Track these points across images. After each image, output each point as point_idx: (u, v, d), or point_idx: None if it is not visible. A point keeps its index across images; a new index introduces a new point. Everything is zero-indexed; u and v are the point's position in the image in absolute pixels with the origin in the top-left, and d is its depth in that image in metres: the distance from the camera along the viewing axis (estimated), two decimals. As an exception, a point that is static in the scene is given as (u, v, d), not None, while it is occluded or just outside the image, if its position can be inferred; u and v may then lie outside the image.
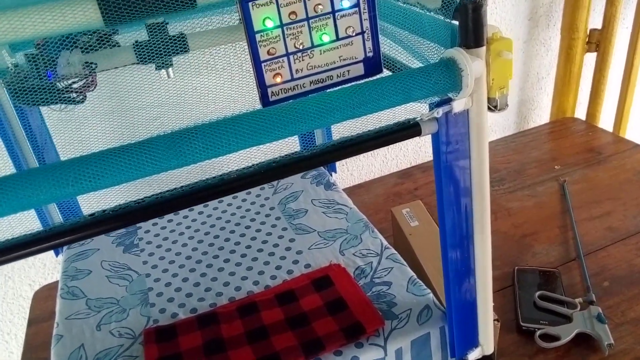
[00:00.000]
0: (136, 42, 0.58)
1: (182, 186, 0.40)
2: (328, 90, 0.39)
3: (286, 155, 0.41)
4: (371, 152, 1.27)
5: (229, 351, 0.57)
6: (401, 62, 0.52)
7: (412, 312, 0.60)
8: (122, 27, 0.61)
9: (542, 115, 1.47)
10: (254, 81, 0.38)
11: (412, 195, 1.08)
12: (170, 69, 0.59)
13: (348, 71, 0.40)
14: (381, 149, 1.27)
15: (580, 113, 1.39)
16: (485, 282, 0.54)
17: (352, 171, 1.28)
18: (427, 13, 0.47)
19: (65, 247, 0.80)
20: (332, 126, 0.87)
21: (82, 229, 0.37)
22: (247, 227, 0.79)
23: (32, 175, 0.32)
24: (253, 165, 0.42)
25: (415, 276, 0.65)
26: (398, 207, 0.89)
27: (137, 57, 0.58)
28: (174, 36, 0.59)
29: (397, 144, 1.29)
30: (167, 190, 0.39)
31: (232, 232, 0.79)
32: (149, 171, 0.34)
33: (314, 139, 0.92)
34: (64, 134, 0.80)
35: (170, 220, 0.83)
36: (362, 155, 1.26)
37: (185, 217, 0.84)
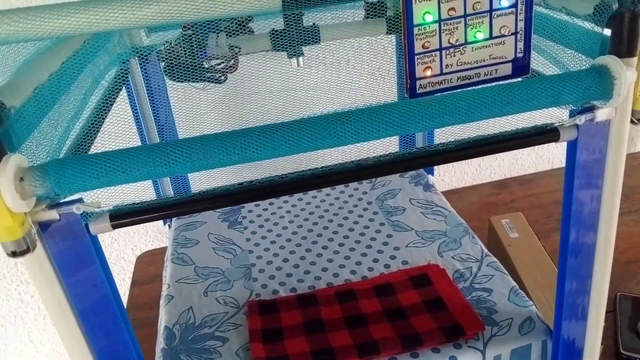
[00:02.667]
0: (273, 30, 0.62)
1: (283, 174, 0.42)
2: (474, 87, 0.40)
3: (420, 148, 0.43)
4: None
5: (328, 333, 0.59)
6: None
7: (514, 321, 0.59)
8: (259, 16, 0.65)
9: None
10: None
11: (508, 207, 1.05)
12: (300, 58, 0.62)
13: (496, 70, 0.40)
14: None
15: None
16: (600, 303, 0.53)
17: (443, 176, 1.27)
18: (573, 19, 0.46)
19: (175, 217, 0.85)
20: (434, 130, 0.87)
21: (197, 203, 0.40)
22: (345, 219, 0.81)
23: (204, 141, 0.35)
24: (371, 157, 0.43)
25: (517, 286, 0.64)
26: (497, 216, 0.87)
27: (272, 44, 0.61)
28: (307, 27, 0.62)
29: (494, 154, 1.27)
30: (273, 176, 0.41)
31: (330, 221, 0.81)
32: (305, 148, 0.36)
33: (415, 141, 0.93)
34: (185, 110, 0.86)
35: (271, 203, 0.87)
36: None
37: (286, 201, 0.87)
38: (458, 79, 0.40)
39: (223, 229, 0.80)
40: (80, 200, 0.37)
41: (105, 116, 0.54)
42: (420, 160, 0.42)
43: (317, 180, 0.41)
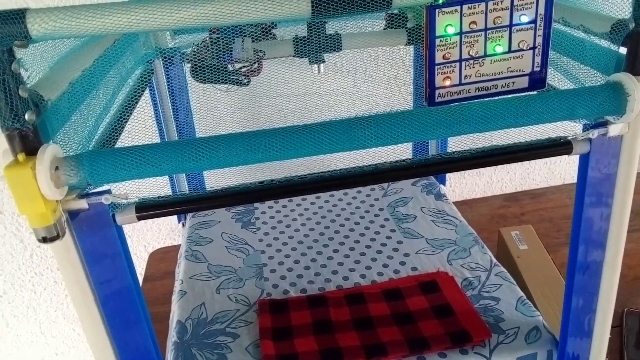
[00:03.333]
0: (296, 36, 0.63)
1: (302, 175, 0.43)
2: (491, 98, 0.41)
3: (435, 155, 0.44)
4: (477, 170, 1.26)
5: (337, 333, 0.60)
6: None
7: (520, 330, 0.60)
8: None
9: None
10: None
11: (518, 219, 1.06)
12: (321, 65, 0.64)
13: (513, 82, 0.41)
14: (489, 169, 1.26)
15: None
16: (605, 319, 0.53)
17: (454, 187, 1.28)
18: (589, 37, 0.48)
19: (189, 216, 0.87)
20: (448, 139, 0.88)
21: (218, 199, 0.41)
22: (356, 224, 0.82)
23: (231, 139, 0.37)
24: (387, 162, 0.44)
25: (524, 297, 0.65)
26: (507, 228, 0.88)
27: (295, 50, 0.63)
28: (330, 34, 0.63)
29: (506, 167, 1.28)
30: (293, 176, 0.42)
31: (342, 225, 0.82)
32: (325, 149, 0.38)
33: (428, 150, 0.94)
34: (205, 112, 0.87)
35: (284, 206, 0.88)
36: (468, 173, 1.26)
37: (299, 205, 0.88)
38: (476, 89, 0.41)
39: (236, 229, 0.82)
40: (108, 192, 0.39)
41: (130, 114, 0.56)
42: (435, 167, 0.44)
43: (335, 182, 0.43)
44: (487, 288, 0.67)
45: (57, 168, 0.35)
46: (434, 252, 0.75)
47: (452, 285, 0.67)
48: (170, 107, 0.87)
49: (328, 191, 0.89)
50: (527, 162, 1.28)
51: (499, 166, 1.28)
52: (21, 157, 0.35)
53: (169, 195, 0.41)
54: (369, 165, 0.43)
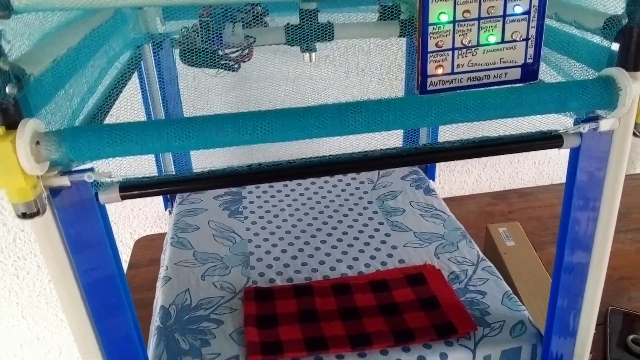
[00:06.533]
0: (288, 24, 0.63)
1: (291, 160, 0.43)
2: (483, 88, 0.41)
3: (427, 144, 0.43)
4: (466, 168, 1.27)
5: (322, 322, 0.60)
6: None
7: (506, 324, 0.60)
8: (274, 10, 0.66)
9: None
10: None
11: (506, 217, 1.06)
12: (313, 53, 0.63)
13: (505, 73, 0.41)
14: (478, 167, 1.26)
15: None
16: (590, 318, 0.54)
17: (443, 184, 1.28)
18: (582, 33, 0.48)
19: (176, 202, 0.86)
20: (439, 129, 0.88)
21: (205, 181, 0.41)
22: (345, 215, 0.82)
23: (219, 119, 0.36)
24: (380, 149, 0.44)
25: (511, 291, 0.65)
26: (495, 225, 0.88)
27: (286, 37, 0.62)
28: (322, 23, 0.63)
29: (495, 165, 1.28)
30: (281, 161, 0.42)
31: (330, 217, 0.82)
32: (315, 134, 0.37)
33: (419, 139, 0.93)
34: (193, 98, 0.87)
35: (273, 196, 0.87)
36: (457, 170, 1.26)
37: (287, 195, 0.88)
38: (468, 79, 0.41)
39: (224, 217, 0.81)
40: (91, 170, 0.38)
41: (117, 97, 0.55)
42: (425, 155, 0.43)
43: (323, 168, 0.42)
44: (474, 282, 0.67)
45: (37, 143, 0.35)
46: (421, 245, 0.75)
47: (439, 278, 0.67)
48: (159, 92, 0.86)
49: (316, 177, 0.88)
50: (516, 161, 1.29)
51: (488, 164, 1.29)
52: (1, 130, 0.34)
53: (154, 176, 0.40)
54: (358, 152, 0.43)
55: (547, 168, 1.33)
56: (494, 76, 0.41)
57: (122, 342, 0.43)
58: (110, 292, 0.41)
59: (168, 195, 0.90)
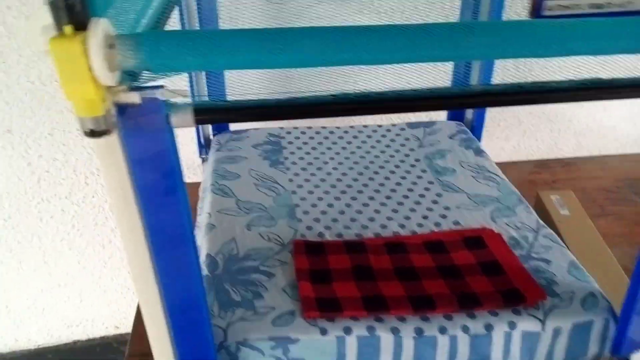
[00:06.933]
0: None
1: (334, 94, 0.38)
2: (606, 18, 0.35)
3: (518, 83, 0.38)
4: (505, 134, 1.21)
5: (379, 281, 0.56)
6: None
7: (576, 295, 0.55)
8: None
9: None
10: None
11: (550, 187, 1.01)
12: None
13: (630, 2, 0.35)
14: (518, 134, 1.20)
15: None
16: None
17: (481, 149, 1.22)
18: None
19: (212, 149, 0.82)
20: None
21: (281, 110, 0.36)
22: (392, 172, 0.77)
23: (317, 33, 0.31)
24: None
25: (576, 260, 0.61)
26: (546, 192, 0.83)
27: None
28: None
29: (535, 133, 1.22)
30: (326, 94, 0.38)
31: (376, 173, 0.77)
32: (423, 56, 0.32)
33: (469, 79, 0.88)
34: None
35: (314, 148, 0.83)
36: (496, 136, 1.21)
37: (329, 148, 0.83)
38: (588, 6, 0.35)
39: (265, 167, 0.77)
40: (162, 87, 0.33)
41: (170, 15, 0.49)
42: (533, 95, 0.38)
43: (360, 105, 0.38)
44: (537, 249, 0.62)
45: (111, 46, 0.29)
46: (476, 207, 0.70)
47: (500, 242, 0.62)
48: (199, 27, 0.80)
49: (356, 115, 0.83)
50: (557, 130, 1.23)
51: (528, 132, 1.23)
52: (68, 29, 0.29)
53: (231, 101, 0.35)
54: (405, 90, 0.38)
55: (585, 140, 1.27)
56: (618, 4, 0.36)
57: (182, 276, 0.39)
58: (175, 222, 0.37)
59: (202, 140, 0.85)
